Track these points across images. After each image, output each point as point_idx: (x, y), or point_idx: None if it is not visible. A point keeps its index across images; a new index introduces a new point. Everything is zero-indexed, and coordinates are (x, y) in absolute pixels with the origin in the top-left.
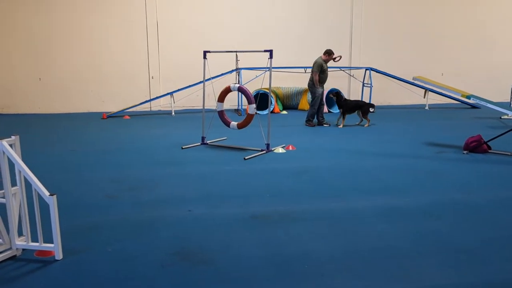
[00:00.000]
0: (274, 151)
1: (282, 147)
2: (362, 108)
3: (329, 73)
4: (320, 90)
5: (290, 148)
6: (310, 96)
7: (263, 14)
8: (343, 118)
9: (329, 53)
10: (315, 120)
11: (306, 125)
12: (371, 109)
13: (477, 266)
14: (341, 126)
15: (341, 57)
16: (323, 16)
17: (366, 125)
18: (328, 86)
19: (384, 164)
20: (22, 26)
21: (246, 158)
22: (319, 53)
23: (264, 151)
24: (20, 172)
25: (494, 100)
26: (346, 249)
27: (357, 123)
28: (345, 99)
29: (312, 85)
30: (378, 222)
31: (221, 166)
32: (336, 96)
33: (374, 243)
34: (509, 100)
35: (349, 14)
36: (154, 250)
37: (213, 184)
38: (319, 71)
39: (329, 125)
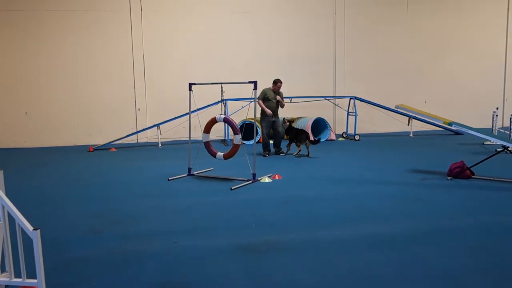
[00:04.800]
0: (261, 180)
1: (268, 177)
2: (299, 136)
3: (314, 102)
4: (268, 119)
5: (277, 177)
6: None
7: (247, 47)
8: (289, 145)
9: (275, 82)
10: (272, 150)
11: (263, 155)
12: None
13: None
14: (283, 154)
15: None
16: (306, 47)
17: (295, 153)
18: (314, 115)
19: (369, 192)
20: (7, 60)
21: (232, 188)
22: (304, 84)
23: (251, 181)
24: (3, 207)
25: (477, 127)
26: (333, 279)
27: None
28: (292, 128)
29: (261, 114)
30: (364, 250)
31: (207, 197)
32: (289, 123)
33: (361, 271)
34: (491, 126)
35: (332, 43)
36: (139, 284)
37: (199, 215)
38: (262, 98)
39: (285, 154)
